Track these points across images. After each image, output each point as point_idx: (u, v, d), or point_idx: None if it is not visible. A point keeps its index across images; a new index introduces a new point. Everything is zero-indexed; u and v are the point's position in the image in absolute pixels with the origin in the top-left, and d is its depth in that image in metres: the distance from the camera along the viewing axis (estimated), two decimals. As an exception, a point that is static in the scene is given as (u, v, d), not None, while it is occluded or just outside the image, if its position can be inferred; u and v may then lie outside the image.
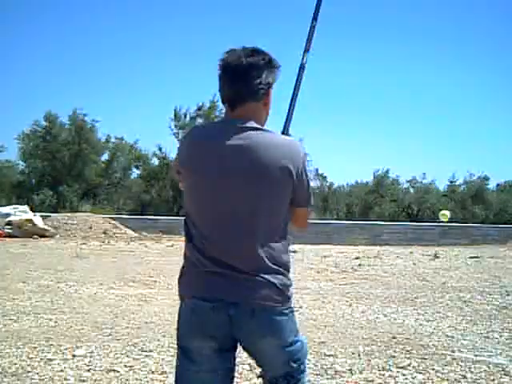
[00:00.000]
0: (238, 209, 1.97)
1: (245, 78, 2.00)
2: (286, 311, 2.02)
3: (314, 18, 2.48)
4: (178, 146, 2.18)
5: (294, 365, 2.03)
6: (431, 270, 12.20)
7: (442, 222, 19.38)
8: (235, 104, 2.03)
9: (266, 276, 1.96)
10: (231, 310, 1.94)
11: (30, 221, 18.87)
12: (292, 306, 2.07)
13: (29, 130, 33.87)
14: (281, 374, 2.04)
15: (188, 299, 2.03)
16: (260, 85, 2.02)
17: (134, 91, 56.12)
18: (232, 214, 1.97)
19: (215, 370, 2.00)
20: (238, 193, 1.96)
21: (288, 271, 2.05)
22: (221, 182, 1.97)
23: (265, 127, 2.06)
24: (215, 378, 2.01)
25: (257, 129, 2.00)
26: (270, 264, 1.97)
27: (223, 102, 2.08)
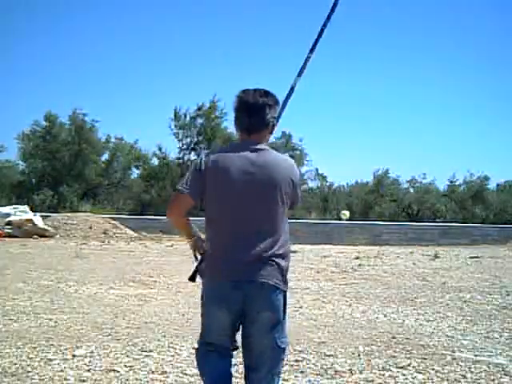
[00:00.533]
0: (257, 210, 2.62)
1: (260, 113, 2.67)
2: (283, 295, 2.68)
3: (311, 50, 3.02)
4: (197, 167, 2.66)
5: (279, 344, 2.68)
6: (431, 270, 12.19)
7: (342, 220, 19.75)
8: (252, 132, 2.69)
9: (274, 259, 2.62)
10: (246, 284, 2.58)
11: (30, 221, 18.86)
12: (287, 289, 2.72)
13: (29, 130, 33.87)
14: (261, 349, 2.67)
15: (218, 278, 2.65)
16: (270, 118, 2.72)
17: (134, 91, 56.10)
18: (252, 214, 2.62)
19: (225, 330, 2.67)
20: (260, 199, 2.62)
21: (289, 258, 2.72)
22: (245, 191, 2.61)
23: (267, 146, 2.72)
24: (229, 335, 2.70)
25: (267, 149, 2.69)
26: (277, 251, 2.63)
27: (239, 130, 2.72)
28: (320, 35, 3.03)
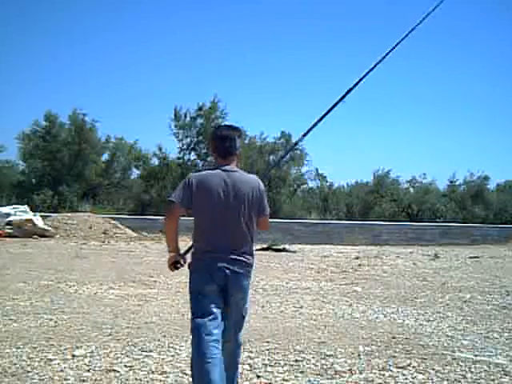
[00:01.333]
0: (230, 216, 3.42)
1: (232, 142, 3.54)
2: (249, 280, 3.52)
3: (314, 124, 4.19)
4: (187, 185, 3.42)
5: (244, 314, 3.55)
6: (431, 269, 12.20)
7: None
8: (227, 156, 3.53)
9: (246, 256, 3.46)
10: (226, 272, 3.39)
11: (30, 221, 18.86)
12: (250, 279, 3.54)
13: (29, 130, 33.87)
14: (236, 318, 3.50)
15: (207, 265, 3.41)
16: (238, 147, 3.60)
17: (134, 91, 56.11)
18: (226, 219, 3.42)
19: (215, 302, 3.36)
20: (233, 209, 3.43)
21: (253, 255, 3.53)
22: (226, 204, 3.41)
23: (237, 167, 3.56)
24: (221, 308, 3.38)
25: (237, 171, 3.53)
26: (248, 253, 3.48)
27: (217, 155, 3.56)
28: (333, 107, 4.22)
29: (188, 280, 3.48)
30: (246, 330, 5.72)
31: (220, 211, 3.39)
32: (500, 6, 52.65)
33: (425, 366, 4.54)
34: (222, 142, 3.53)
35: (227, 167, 3.47)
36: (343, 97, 4.19)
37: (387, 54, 4.39)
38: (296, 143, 5.40)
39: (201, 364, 3.22)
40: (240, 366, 4.34)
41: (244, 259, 3.43)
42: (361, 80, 4.27)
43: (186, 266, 3.52)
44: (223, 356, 3.28)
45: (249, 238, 3.47)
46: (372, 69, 4.30)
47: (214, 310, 3.32)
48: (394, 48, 4.40)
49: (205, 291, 3.34)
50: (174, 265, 3.57)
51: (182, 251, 3.61)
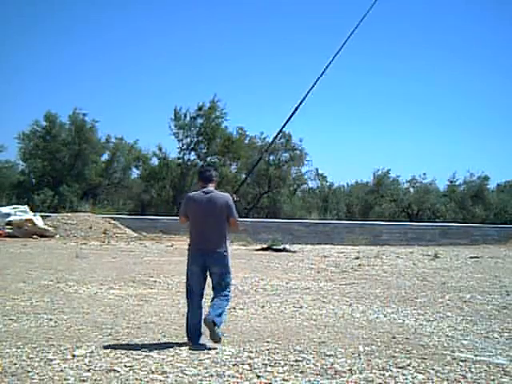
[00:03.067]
0: (209, 221, 5.27)
1: (212, 176, 5.48)
2: (225, 254, 5.30)
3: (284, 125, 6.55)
4: (184, 202, 5.47)
5: (222, 282, 5.27)
6: (431, 270, 12.20)
7: None
8: (208, 182, 5.43)
9: (220, 248, 5.29)
10: (205, 255, 5.28)
11: (30, 221, 18.86)
12: (228, 256, 5.33)
13: (29, 130, 33.87)
14: (216, 282, 5.26)
15: (194, 252, 5.35)
16: (215, 177, 5.52)
17: (134, 91, 56.17)
18: (207, 223, 5.28)
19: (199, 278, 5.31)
20: (209, 215, 5.28)
21: (226, 245, 5.33)
22: (204, 212, 5.29)
23: (214, 188, 5.43)
24: (200, 282, 5.32)
25: (213, 191, 5.38)
26: (220, 242, 5.29)
27: (201, 181, 5.48)
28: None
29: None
30: (246, 330, 5.74)
31: (200, 217, 5.30)
32: (500, 6, 52.65)
33: (425, 365, 4.54)
34: (203, 173, 5.56)
35: (205, 189, 5.38)
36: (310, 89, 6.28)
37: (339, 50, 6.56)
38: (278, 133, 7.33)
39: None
40: (240, 366, 4.34)
41: (215, 247, 5.26)
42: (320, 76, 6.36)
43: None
44: (212, 302, 5.20)
45: (220, 233, 5.30)
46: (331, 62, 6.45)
47: (195, 279, 5.27)
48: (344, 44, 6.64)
49: (191, 269, 5.30)
50: None
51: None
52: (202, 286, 5.27)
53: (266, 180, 36.20)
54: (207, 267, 5.22)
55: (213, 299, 5.20)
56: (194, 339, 5.07)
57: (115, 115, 51.15)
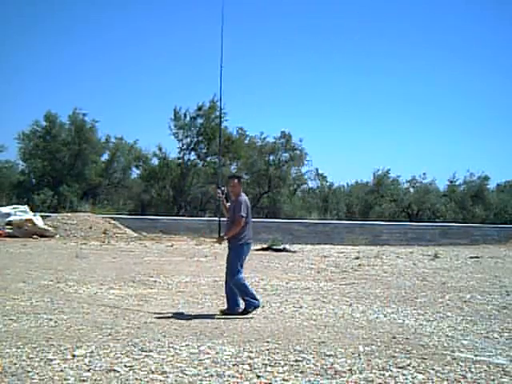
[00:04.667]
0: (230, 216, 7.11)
1: (236, 177, 7.30)
2: (233, 246, 6.89)
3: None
4: (247, 204, 6.97)
5: (230, 267, 6.89)
6: (431, 270, 12.20)
7: None
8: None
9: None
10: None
11: (30, 221, 18.86)
12: (241, 244, 6.83)
13: (29, 130, 33.85)
14: (228, 268, 6.92)
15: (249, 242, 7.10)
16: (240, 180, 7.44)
17: (134, 91, 56.15)
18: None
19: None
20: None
21: (237, 232, 6.85)
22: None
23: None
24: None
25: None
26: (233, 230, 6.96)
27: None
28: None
29: None
30: (246, 330, 5.74)
31: (251, 214, 7.01)
32: (500, 6, 52.65)
33: (425, 365, 4.54)
34: (231, 179, 7.08)
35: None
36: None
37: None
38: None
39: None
40: (240, 366, 4.35)
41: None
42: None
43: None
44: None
45: (233, 224, 6.80)
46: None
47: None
48: None
49: (246, 252, 7.01)
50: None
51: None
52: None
53: (266, 180, 36.21)
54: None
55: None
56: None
57: (115, 115, 51.20)
